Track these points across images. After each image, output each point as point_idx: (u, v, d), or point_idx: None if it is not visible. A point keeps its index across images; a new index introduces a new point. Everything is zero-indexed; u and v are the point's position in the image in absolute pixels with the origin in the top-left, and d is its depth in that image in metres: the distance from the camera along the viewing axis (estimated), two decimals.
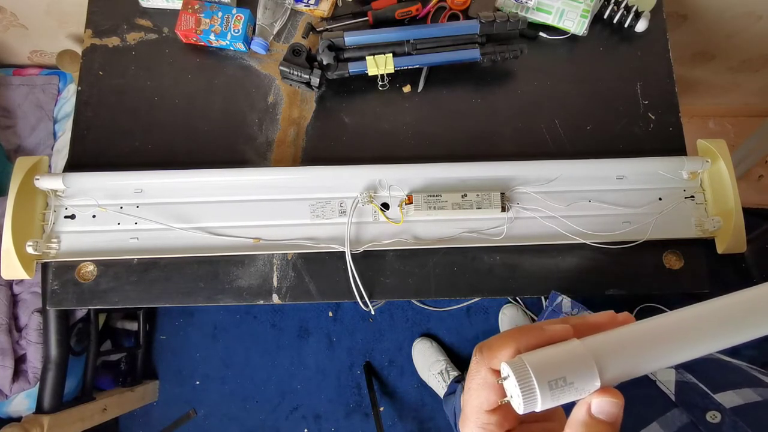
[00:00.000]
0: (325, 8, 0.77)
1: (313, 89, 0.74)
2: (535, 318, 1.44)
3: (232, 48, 0.77)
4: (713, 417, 0.38)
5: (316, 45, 0.72)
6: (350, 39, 0.71)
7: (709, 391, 0.40)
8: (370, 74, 0.72)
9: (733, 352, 0.48)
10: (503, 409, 0.28)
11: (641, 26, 0.76)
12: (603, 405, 0.26)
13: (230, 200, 0.69)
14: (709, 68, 1.19)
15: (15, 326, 1.08)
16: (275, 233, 0.68)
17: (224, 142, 0.74)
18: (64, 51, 1.15)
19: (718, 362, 0.46)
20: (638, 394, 0.45)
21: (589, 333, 0.28)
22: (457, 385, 1.14)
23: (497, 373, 0.28)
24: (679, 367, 0.45)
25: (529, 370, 0.25)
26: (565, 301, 0.67)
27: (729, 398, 0.39)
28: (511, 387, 0.26)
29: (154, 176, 0.67)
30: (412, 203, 0.66)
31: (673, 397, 0.42)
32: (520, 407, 0.26)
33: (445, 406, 1.13)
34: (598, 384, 0.26)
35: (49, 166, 0.71)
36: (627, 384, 0.46)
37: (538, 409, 0.26)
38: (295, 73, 0.70)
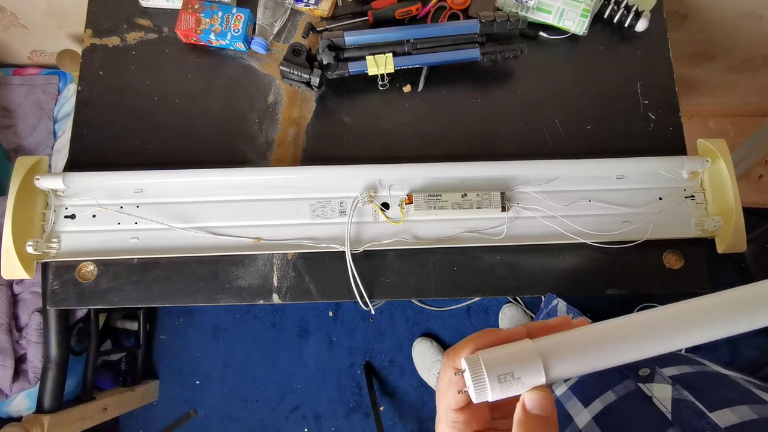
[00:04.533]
0: (325, 8, 0.77)
1: (313, 89, 0.74)
2: (534, 318, 1.44)
3: (232, 48, 0.77)
4: None
5: (316, 45, 0.72)
6: (350, 39, 0.71)
7: (705, 410, 0.40)
8: (370, 74, 0.72)
9: (732, 352, 0.48)
10: (471, 408, 0.31)
11: (641, 26, 0.76)
12: (535, 400, 0.28)
13: (230, 200, 0.69)
14: (709, 68, 1.19)
15: (15, 326, 1.08)
16: (275, 233, 0.68)
17: (224, 142, 0.74)
18: (64, 51, 1.15)
19: (716, 376, 0.46)
20: (634, 413, 0.44)
21: (544, 335, 0.30)
22: None
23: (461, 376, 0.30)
24: (675, 384, 0.44)
25: (481, 364, 0.28)
26: (561, 305, 0.67)
27: (725, 417, 0.38)
28: (468, 379, 0.29)
29: (154, 176, 0.67)
30: (412, 203, 0.66)
31: (669, 416, 0.41)
32: (474, 397, 0.29)
33: None
34: (543, 380, 0.28)
35: (49, 166, 0.71)
36: (623, 402, 0.46)
37: (490, 399, 0.29)
38: (295, 72, 0.70)
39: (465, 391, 0.30)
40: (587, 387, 0.52)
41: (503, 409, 0.34)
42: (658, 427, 0.41)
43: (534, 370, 0.28)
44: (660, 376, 0.46)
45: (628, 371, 0.49)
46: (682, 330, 0.29)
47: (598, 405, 0.47)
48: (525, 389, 0.29)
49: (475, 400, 0.29)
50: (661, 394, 0.43)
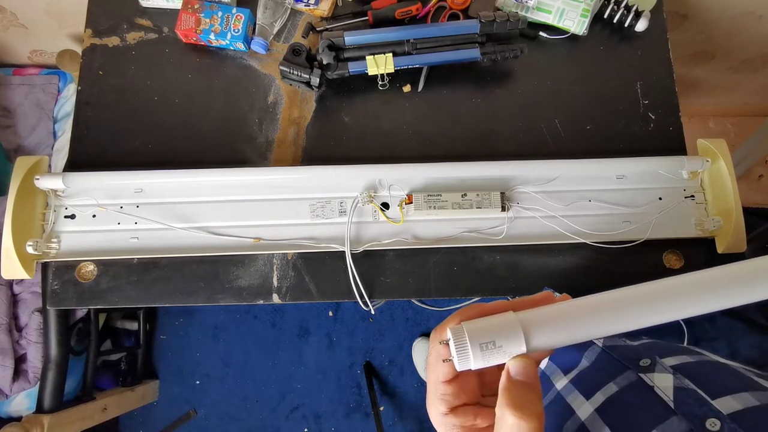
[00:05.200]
0: (325, 8, 0.77)
1: (313, 89, 0.74)
2: None
3: (232, 48, 0.77)
4: (713, 425, 0.37)
5: (316, 45, 0.72)
6: (350, 39, 0.71)
7: (707, 398, 0.40)
8: (370, 74, 0.72)
9: (733, 353, 0.48)
10: (459, 381, 0.32)
11: (641, 26, 0.76)
12: (518, 367, 0.29)
13: (230, 200, 0.69)
14: (709, 68, 1.19)
15: (15, 326, 1.08)
16: (275, 233, 0.68)
17: (224, 142, 0.74)
18: (64, 51, 1.15)
19: (716, 365, 0.46)
20: (636, 403, 0.44)
21: (527, 309, 0.32)
22: None
23: (447, 347, 0.31)
24: (676, 373, 0.44)
25: (465, 333, 0.30)
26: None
27: (728, 404, 0.38)
28: (452, 348, 0.30)
29: (154, 176, 0.67)
30: (412, 203, 0.66)
31: (671, 405, 0.41)
32: (457, 365, 0.30)
33: None
34: (523, 348, 0.30)
35: (49, 166, 0.71)
36: (625, 393, 0.46)
37: (472, 367, 0.30)
38: (295, 72, 0.70)
39: (450, 360, 0.31)
40: (588, 380, 0.52)
41: (492, 386, 0.35)
42: (660, 415, 0.41)
43: (515, 339, 0.30)
44: (661, 366, 0.46)
45: (629, 363, 0.50)
46: (656, 304, 0.31)
47: (599, 397, 0.47)
48: (506, 357, 0.30)
49: (458, 368, 0.30)
50: (663, 383, 0.44)
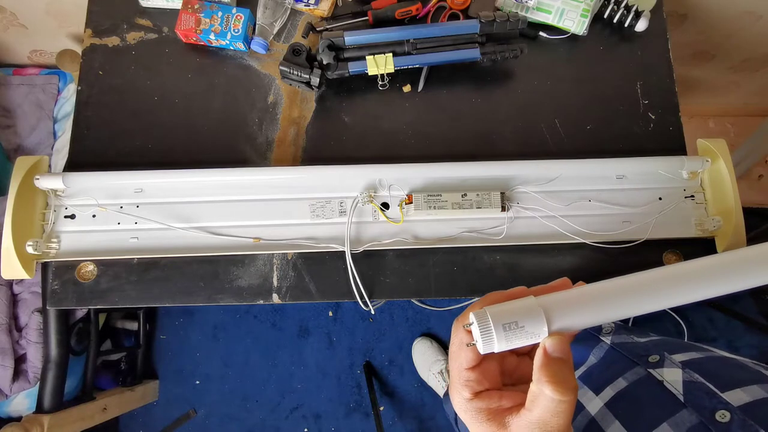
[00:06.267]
0: (325, 8, 0.77)
1: (313, 89, 0.74)
2: None
3: (232, 48, 0.77)
4: (723, 416, 0.38)
5: (316, 45, 0.72)
6: (350, 39, 0.71)
7: (716, 390, 0.40)
8: (370, 74, 0.72)
9: (733, 353, 0.48)
10: (482, 367, 0.33)
11: (641, 26, 0.76)
12: (555, 344, 0.30)
13: (230, 200, 0.69)
14: (709, 68, 1.19)
15: (15, 326, 1.08)
16: (275, 233, 0.68)
17: (224, 141, 0.74)
18: (64, 51, 1.15)
19: (725, 360, 0.46)
20: (646, 397, 0.45)
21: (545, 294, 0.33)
22: None
23: (470, 332, 0.33)
24: (685, 367, 0.45)
25: (488, 315, 0.31)
26: None
27: (737, 396, 0.39)
28: (475, 331, 0.31)
29: (154, 176, 0.67)
30: (412, 203, 0.66)
31: (681, 398, 0.42)
32: (481, 348, 0.31)
33: (445, 405, 1.13)
34: (545, 328, 0.30)
35: (49, 166, 0.71)
36: (634, 388, 0.46)
37: (496, 349, 0.31)
38: (295, 72, 0.70)
39: (473, 344, 0.32)
40: (597, 376, 0.53)
41: (513, 375, 0.36)
42: (670, 409, 0.41)
43: (537, 320, 0.30)
44: (670, 361, 0.46)
45: (638, 359, 0.50)
46: (671, 288, 0.32)
47: (609, 392, 0.48)
48: (530, 339, 0.31)
49: (482, 351, 0.31)
50: (672, 377, 0.44)
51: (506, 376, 0.35)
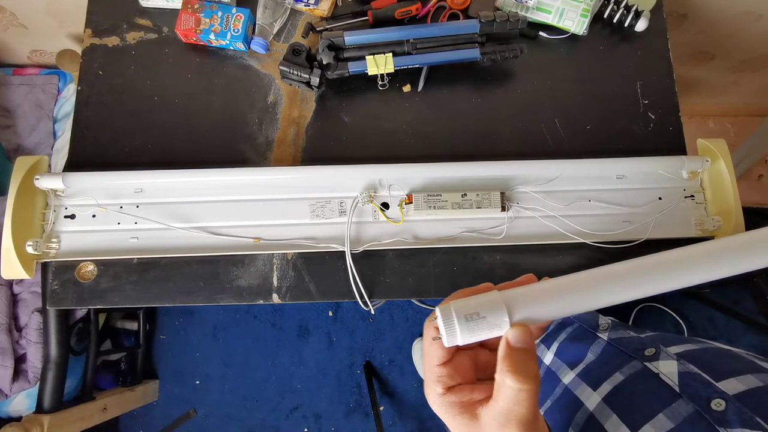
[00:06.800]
0: (324, 8, 0.77)
1: (312, 89, 0.74)
2: None
3: (231, 47, 0.77)
4: (718, 405, 0.38)
5: (316, 44, 0.72)
6: (350, 38, 0.71)
7: (711, 380, 0.40)
8: (370, 74, 0.72)
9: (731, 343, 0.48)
10: (454, 363, 0.33)
11: (641, 26, 0.76)
12: (516, 335, 0.31)
13: (230, 200, 0.69)
14: (709, 68, 1.19)
15: (15, 326, 1.08)
16: (275, 233, 0.68)
17: (224, 141, 0.74)
18: (64, 51, 1.15)
19: (719, 351, 0.46)
20: (643, 390, 0.45)
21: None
22: None
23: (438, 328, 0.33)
24: (680, 359, 0.45)
25: (451, 308, 0.32)
26: None
27: (732, 385, 0.39)
28: (440, 326, 0.32)
29: (153, 176, 0.67)
30: (412, 203, 0.66)
31: (677, 389, 0.42)
32: (445, 340, 0.32)
33: None
34: (506, 319, 0.31)
35: (49, 166, 0.71)
36: (631, 381, 0.47)
37: (459, 341, 0.31)
38: (295, 72, 0.70)
39: (439, 339, 0.33)
40: (595, 372, 0.53)
41: (487, 369, 0.36)
42: (667, 400, 0.41)
43: (498, 312, 0.31)
44: (665, 354, 0.47)
45: (634, 353, 0.50)
46: (630, 281, 0.32)
47: (606, 387, 0.48)
48: (492, 329, 0.31)
49: (446, 343, 0.32)
50: (668, 369, 0.44)
51: (480, 370, 0.36)
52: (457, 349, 0.34)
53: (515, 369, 0.30)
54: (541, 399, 0.59)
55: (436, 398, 0.33)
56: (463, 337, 0.31)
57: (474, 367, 0.35)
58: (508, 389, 0.30)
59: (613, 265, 0.33)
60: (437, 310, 0.32)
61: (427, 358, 0.34)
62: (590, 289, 0.32)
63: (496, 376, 0.31)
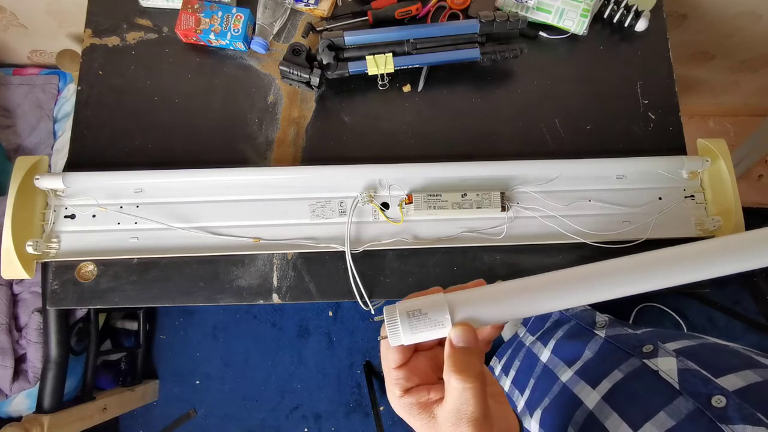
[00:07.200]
0: (324, 8, 0.77)
1: (312, 89, 0.74)
2: None
3: (231, 47, 0.77)
4: (718, 401, 0.38)
5: (316, 44, 0.72)
6: (350, 38, 0.71)
7: (711, 377, 0.41)
8: (370, 74, 0.72)
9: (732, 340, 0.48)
10: (410, 365, 0.34)
11: (641, 26, 0.76)
12: (459, 334, 0.31)
13: (230, 200, 0.69)
14: (709, 68, 1.19)
15: (15, 326, 1.08)
16: (275, 233, 0.68)
17: (224, 141, 0.74)
18: (64, 50, 1.15)
19: (717, 347, 0.47)
20: (642, 387, 0.45)
21: None
22: None
23: None
24: (679, 355, 0.45)
25: (395, 307, 0.33)
26: None
27: (731, 381, 0.39)
28: (385, 323, 0.33)
29: (153, 176, 0.67)
30: (412, 203, 0.66)
31: (676, 386, 0.42)
32: (390, 339, 0.32)
33: None
34: (447, 316, 0.32)
35: (49, 166, 0.71)
36: (630, 379, 0.47)
37: (403, 337, 0.32)
38: (295, 72, 0.70)
39: (385, 338, 0.33)
40: (593, 370, 0.53)
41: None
42: (666, 397, 0.41)
43: (440, 310, 0.32)
44: (664, 351, 0.47)
45: (632, 350, 0.50)
46: (569, 288, 0.33)
47: (606, 385, 0.48)
48: (434, 327, 0.32)
49: (391, 343, 0.33)
50: (667, 366, 0.44)
51: (440, 370, 0.36)
52: (415, 351, 0.35)
53: (459, 368, 0.30)
54: (538, 397, 0.59)
55: (395, 400, 0.34)
56: (405, 335, 0.32)
57: (434, 368, 0.36)
58: (454, 389, 0.30)
59: (558, 272, 0.34)
60: (383, 310, 0.33)
61: (384, 362, 0.35)
62: (533, 293, 0.33)
63: (443, 376, 0.31)
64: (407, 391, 0.33)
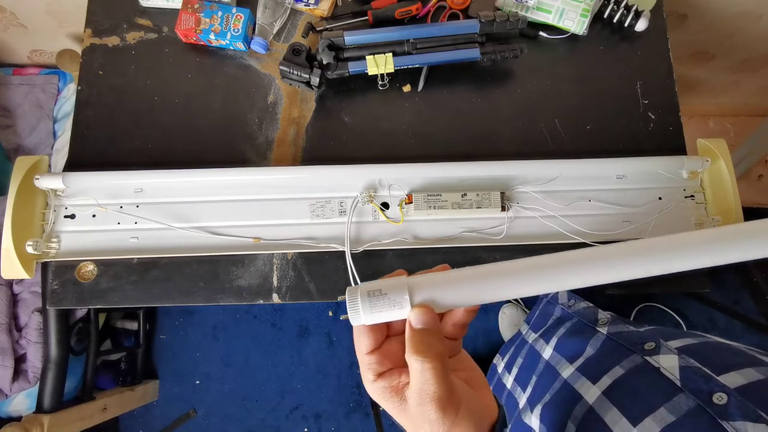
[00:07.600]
0: (324, 7, 0.77)
1: (312, 89, 0.74)
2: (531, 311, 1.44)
3: (231, 47, 0.77)
4: (720, 399, 0.38)
5: (316, 44, 0.72)
6: (350, 38, 0.71)
7: (712, 374, 0.41)
8: (370, 74, 0.72)
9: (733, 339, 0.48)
10: (382, 350, 0.34)
11: (641, 25, 0.76)
12: (417, 315, 0.32)
13: (230, 200, 0.69)
14: (709, 68, 1.19)
15: (15, 326, 1.08)
16: (275, 233, 0.68)
17: (224, 141, 0.74)
18: (64, 50, 1.15)
19: (719, 345, 0.47)
20: (643, 383, 0.45)
21: None
22: None
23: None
24: (681, 353, 0.45)
25: (357, 287, 0.33)
26: (562, 291, 0.68)
27: (733, 379, 0.39)
28: (347, 303, 0.33)
29: (153, 176, 0.67)
30: (412, 203, 0.66)
31: (678, 383, 0.42)
32: (351, 317, 0.33)
33: None
34: (407, 297, 0.32)
35: (49, 166, 0.71)
36: (631, 375, 0.47)
37: (362, 316, 0.32)
38: (295, 72, 0.70)
39: (345, 317, 0.32)
40: (594, 366, 0.53)
41: None
42: (667, 394, 0.41)
43: (400, 290, 0.33)
44: (666, 348, 0.47)
45: (634, 347, 0.50)
46: (528, 276, 0.33)
47: (606, 380, 0.48)
48: (393, 306, 0.32)
49: (352, 321, 0.33)
50: (668, 363, 0.44)
51: None
52: (387, 336, 0.35)
53: (417, 348, 0.31)
54: (539, 393, 0.59)
55: (369, 385, 0.34)
56: (365, 314, 0.32)
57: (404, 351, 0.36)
58: (414, 369, 0.31)
59: (520, 260, 0.34)
60: (347, 290, 0.34)
61: (357, 347, 0.35)
62: (493, 279, 0.33)
63: (405, 357, 0.32)
64: (380, 375, 0.34)
